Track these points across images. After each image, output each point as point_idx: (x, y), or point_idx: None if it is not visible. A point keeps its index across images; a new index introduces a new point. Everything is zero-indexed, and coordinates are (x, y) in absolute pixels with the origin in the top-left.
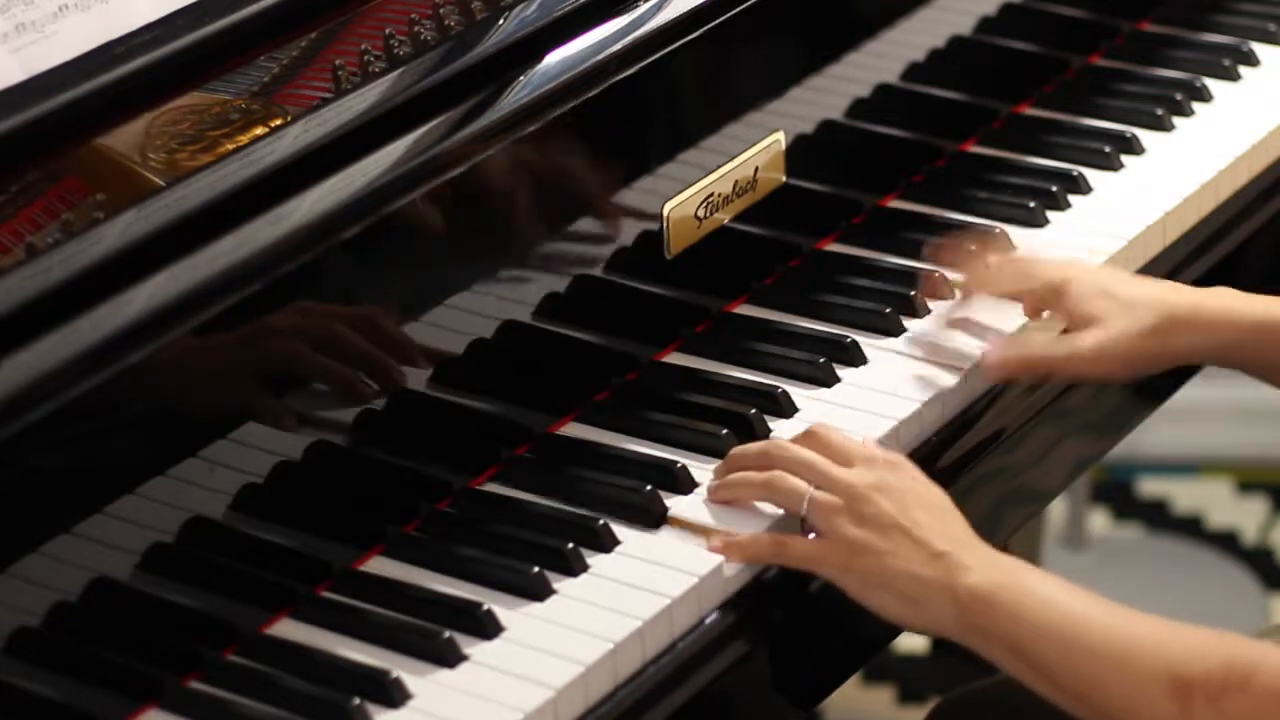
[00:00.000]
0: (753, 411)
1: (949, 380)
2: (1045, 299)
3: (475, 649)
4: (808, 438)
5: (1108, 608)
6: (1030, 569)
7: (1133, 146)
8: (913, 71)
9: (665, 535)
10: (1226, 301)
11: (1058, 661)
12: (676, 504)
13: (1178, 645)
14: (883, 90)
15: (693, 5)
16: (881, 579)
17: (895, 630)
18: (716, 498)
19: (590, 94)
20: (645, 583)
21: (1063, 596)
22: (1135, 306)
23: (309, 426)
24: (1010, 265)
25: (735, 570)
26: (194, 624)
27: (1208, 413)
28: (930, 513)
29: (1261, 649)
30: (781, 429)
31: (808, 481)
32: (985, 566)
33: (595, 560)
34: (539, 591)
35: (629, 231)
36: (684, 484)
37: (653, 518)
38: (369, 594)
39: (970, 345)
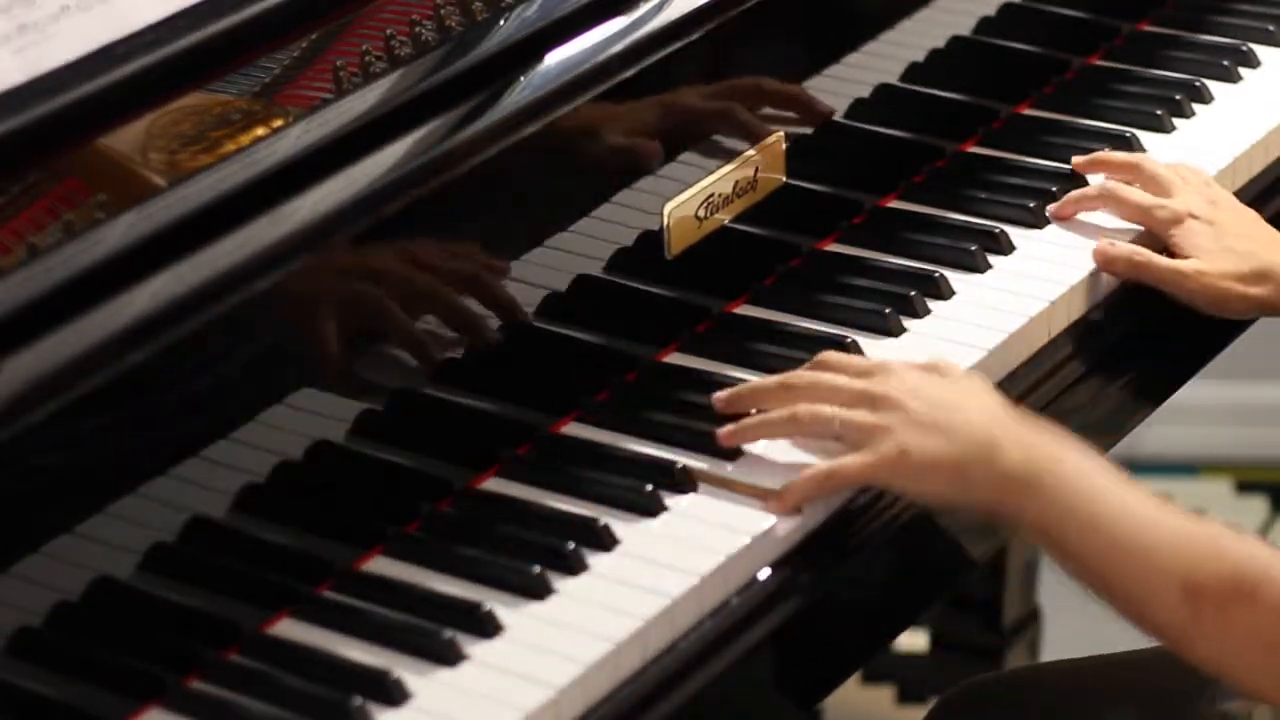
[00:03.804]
0: (753, 411)
1: None
2: (1163, 224)
3: (475, 649)
4: (817, 365)
5: (1138, 499)
6: (1068, 445)
7: (1132, 147)
8: (913, 72)
9: (666, 533)
10: None
11: (1079, 545)
12: (676, 503)
13: (1194, 548)
14: (883, 90)
15: (693, 6)
16: (928, 471)
17: (895, 630)
18: (736, 439)
19: (591, 94)
20: (646, 582)
21: (1095, 482)
22: (1236, 257)
23: (310, 426)
24: (1149, 179)
25: (736, 570)
26: (195, 624)
27: (1208, 413)
28: (961, 396)
29: (1269, 558)
30: None
31: (832, 403)
32: (1018, 448)
33: (595, 560)
34: (539, 591)
35: (629, 232)
36: (684, 484)
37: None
38: (369, 594)
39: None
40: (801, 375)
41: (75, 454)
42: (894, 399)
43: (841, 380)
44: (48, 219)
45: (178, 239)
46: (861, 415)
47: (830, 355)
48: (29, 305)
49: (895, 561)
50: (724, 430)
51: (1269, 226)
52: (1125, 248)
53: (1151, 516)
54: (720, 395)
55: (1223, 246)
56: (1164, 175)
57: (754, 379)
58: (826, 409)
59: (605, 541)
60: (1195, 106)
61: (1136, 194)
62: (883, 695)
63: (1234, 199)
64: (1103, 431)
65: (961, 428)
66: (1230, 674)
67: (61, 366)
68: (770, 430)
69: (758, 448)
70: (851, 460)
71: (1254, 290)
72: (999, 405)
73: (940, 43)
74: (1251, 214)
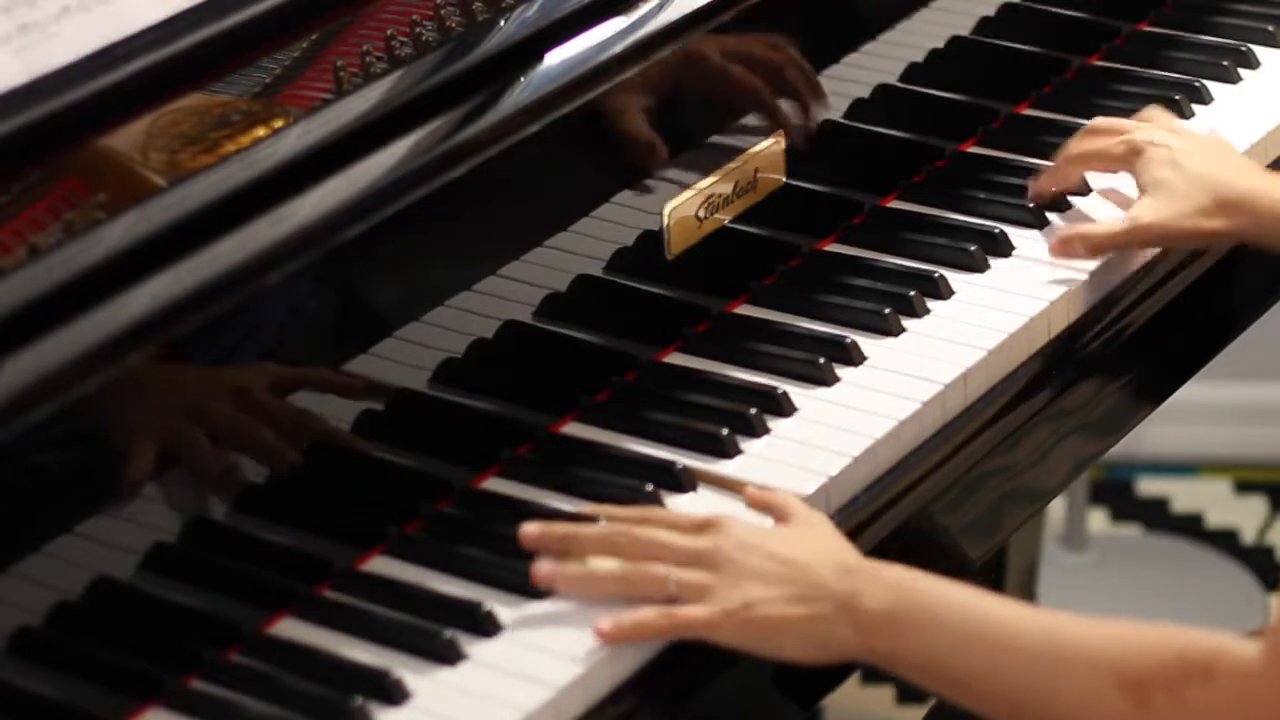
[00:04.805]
0: (753, 411)
1: (949, 381)
2: (1123, 159)
3: (475, 648)
4: (643, 520)
5: (1033, 610)
6: (929, 578)
7: None
8: (912, 72)
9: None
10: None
11: (988, 672)
12: (676, 504)
13: (1121, 643)
14: (883, 91)
15: (693, 6)
16: (778, 627)
17: None
18: (555, 584)
19: (591, 94)
20: None
21: (982, 602)
22: (1195, 183)
23: (309, 426)
24: (1102, 124)
25: None
26: (195, 623)
27: (1207, 413)
28: (803, 549)
29: (1215, 638)
30: (781, 428)
31: (663, 560)
32: (879, 586)
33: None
34: (540, 591)
35: (629, 232)
36: (684, 484)
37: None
38: (369, 594)
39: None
40: (627, 530)
41: (75, 453)
42: (731, 558)
43: (671, 536)
44: (48, 219)
45: (178, 239)
46: (698, 575)
47: (656, 511)
48: (29, 305)
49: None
50: (542, 570)
51: (1234, 151)
52: (1074, 228)
53: (1060, 621)
54: (530, 529)
55: (1183, 175)
56: (1120, 121)
57: (567, 521)
58: (659, 568)
59: None
60: (1195, 107)
61: (1093, 140)
62: (883, 695)
63: (1197, 130)
64: (1103, 431)
65: (808, 584)
66: None
67: (62, 366)
68: (596, 586)
69: (757, 445)
70: (695, 610)
71: (1214, 223)
72: (843, 547)
73: (940, 43)
74: (1216, 140)
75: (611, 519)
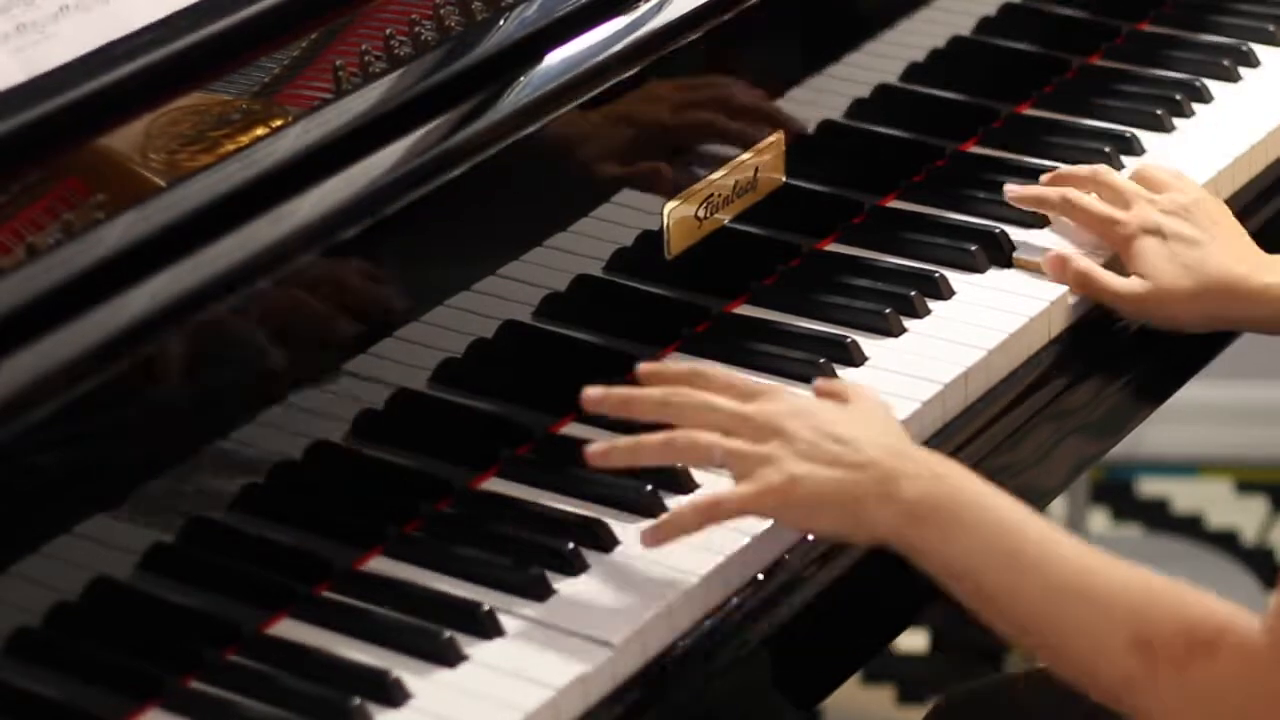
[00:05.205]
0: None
1: (949, 380)
2: (1116, 242)
3: (475, 649)
4: (698, 380)
5: (1069, 541)
6: (977, 482)
7: (1132, 147)
8: (913, 71)
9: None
10: (1275, 277)
11: (1008, 592)
12: (676, 504)
13: (1143, 599)
14: (883, 90)
15: (693, 5)
16: (818, 503)
17: (896, 630)
18: (603, 460)
19: (591, 94)
20: (646, 582)
21: (1021, 519)
22: (1186, 273)
23: (309, 426)
24: (1107, 191)
25: (735, 571)
26: (194, 624)
27: (1208, 413)
28: (856, 426)
29: (1223, 614)
30: None
31: (714, 426)
32: (924, 476)
33: (595, 560)
34: (539, 591)
35: (629, 232)
36: (684, 484)
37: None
38: (369, 594)
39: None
40: (681, 392)
41: (75, 454)
42: (780, 425)
43: (724, 401)
44: (47, 219)
45: (177, 239)
46: (744, 444)
47: (714, 372)
48: (29, 305)
49: (895, 561)
50: (592, 449)
51: (1222, 218)
52: (1079, 264)
53: (1086, 562)
54: (592, 393)
55: (1175, 264)
56: (1123, 186)
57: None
58: (705, 436)
59: (605, 541)
60: (1195, 106)
61: (1094, 204)
62: (883, 695)
63: (1203, 199)
64: (1103, 431)
65: (853, 457)
66: None
67: (61, 366)
68: (644, 456)
69: None
70: (735, 492)
71: (1206, 312)
72: (899, 432)
73: (940, 43)
74: (1205, 208)
75: (659, 378)
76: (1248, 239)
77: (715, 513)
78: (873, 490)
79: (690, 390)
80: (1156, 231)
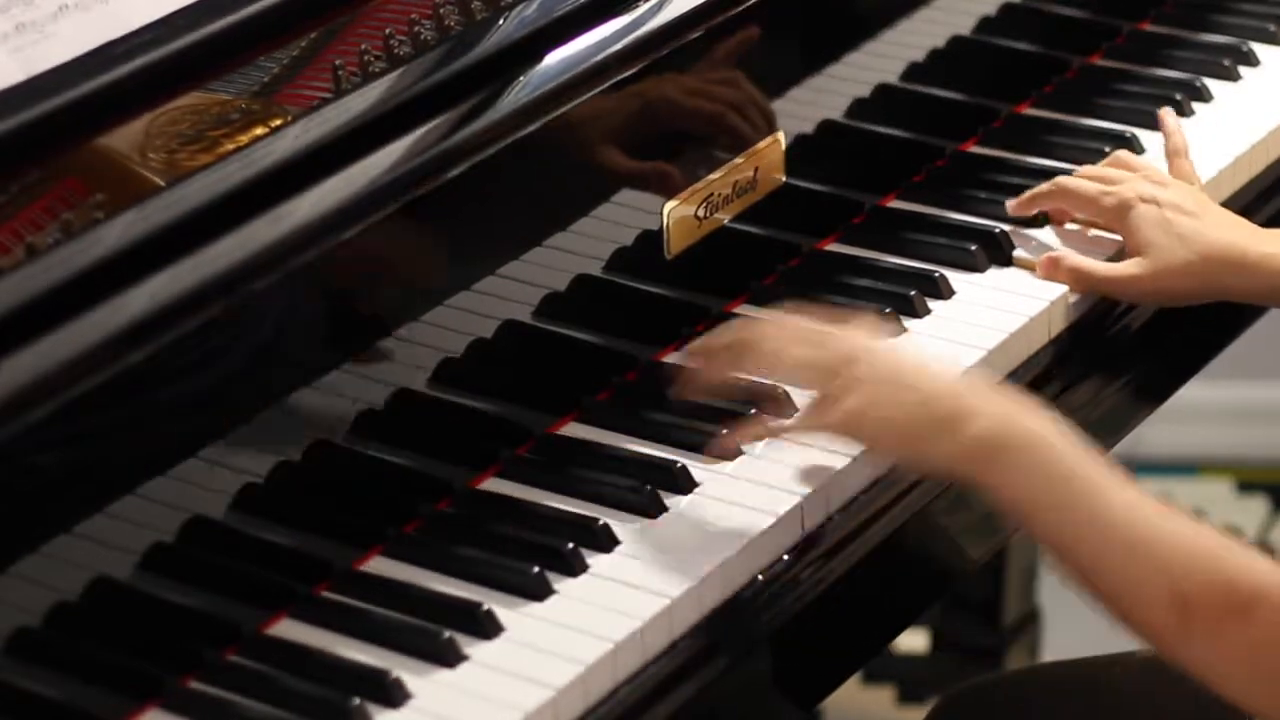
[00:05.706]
0: (753, 411)
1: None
2: (1111, 214)
3: (475, 649)
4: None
5: (1124, 486)
6: (1046, 424)
7: (1132, 146)
8: (913, 71)
9: (665, 535)
10: (1273, 247)
11: (1060, 537)
12: (676, 504)
13: (1187, 554)
14: (883, 90)
15: (693, 5)
16: (883, 432)
17: (896, 630)
18: (688, 392)
19: (591, 94)
20: (645, 582)
21: (1079, 463)
22: (1183, 243)
23: (309, 426)
24: (1093, 175)
25: (736, 570)
26: (194, 624)
27: (1208, 413)
28: (924, 364)
29: (1260, 574)
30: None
31: (788, 368)
32: (991, 413)
33: (595, 560)
34: (539, 591)
35: (629, 232)
36: (684, 484)
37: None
38: (369, 594)
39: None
40: (758, 324)
41: (75, 454)
42: (855, 354)
43: (809, 330)
44: (46, 219)
45: (177, 239)
46: (822, 359)
47: (785, 319)
48: (28, 305)
49: (895, 561)
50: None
51: (1218, 207)
52: (1071, 260)
53: (1135, 514)
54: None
55: (1173, 236)
56: (1112, 171)
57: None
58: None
59: (605, 542)
60: (1195, 105)
61: (1085, 184)
62: (883, 695)
63: (1183, 184)
64: (1103, 431)
65: (925, 388)
66: (1219, 686)
67: (61, 366)
68: (722, 367)
69: (758, 447)
70: (803, 418)
71: (1204, 283)
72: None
73: (940, 43)
74: (1196, 193)
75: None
76: (1226, 211)
77: (785, 429)
78: (938, 427)
79: (765, 340)
80: (1153, 200)
